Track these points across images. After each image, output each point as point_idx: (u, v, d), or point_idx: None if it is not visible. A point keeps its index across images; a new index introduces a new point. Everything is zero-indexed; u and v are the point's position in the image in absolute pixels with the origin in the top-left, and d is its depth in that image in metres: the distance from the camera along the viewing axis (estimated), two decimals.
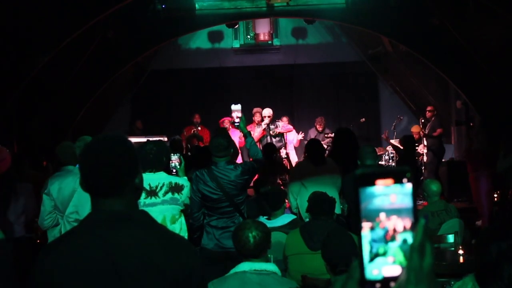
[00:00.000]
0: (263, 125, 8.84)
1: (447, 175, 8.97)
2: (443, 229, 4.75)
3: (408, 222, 0.77)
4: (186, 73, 12.08)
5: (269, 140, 8.74)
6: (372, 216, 0.77)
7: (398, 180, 0.77)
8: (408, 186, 0.77)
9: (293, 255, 3.70)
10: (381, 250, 0.77)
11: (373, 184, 0.77)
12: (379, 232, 0.77)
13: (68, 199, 3.78)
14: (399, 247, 0.77)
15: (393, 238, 0.77)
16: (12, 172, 5.07)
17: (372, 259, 0.77)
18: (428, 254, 0.76)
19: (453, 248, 4.41)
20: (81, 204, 3.73)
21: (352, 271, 0.81)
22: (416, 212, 0.77)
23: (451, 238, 4.48)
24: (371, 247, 0.77)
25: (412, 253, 0.76)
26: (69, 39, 6.72)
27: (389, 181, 0.77)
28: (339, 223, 4.13)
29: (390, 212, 0.77)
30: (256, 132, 8.77)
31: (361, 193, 0.77)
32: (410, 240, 0.77)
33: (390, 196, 0.77)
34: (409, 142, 7.75)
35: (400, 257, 0.77)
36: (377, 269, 0.77)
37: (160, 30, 8.68)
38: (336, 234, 3.06)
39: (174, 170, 4.12)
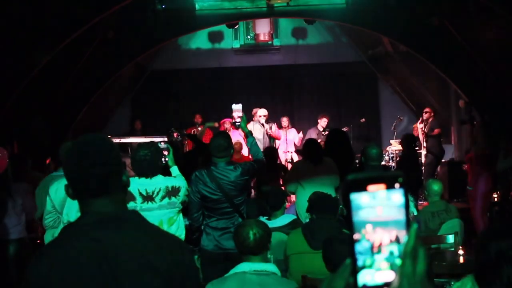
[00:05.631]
0: (260, 124, 9.11)
1: (447, 175, 8.96)
2: (443, 229, 4.75)
3: (394, 234, 0.75)
4: (186, 73, 12.08)
5: (266, 137, 9.11)
6: (358, 228, 0.76)
7: (390, 185, 0.76)
8: (399, 197, 0.76)
9: (294, 254, 3.70)
10: (367, 262, 0.76)
11: (364, 189, 0.75)
12: (365, 244, 0.76)
13: (63, 201, 3.79)
14: (385, 260, 0.76)
15: (379, 250, 0.76)
16: (8, 174, 5.07)
17: (358, 271, 0.76)
18: (421, 260, 0.75)
19: (453, 249, 4.41)
20: (70, 206, 3.74)
21: (340, 271, 0.80)
22: (408, 219, 0.76)
23: (451, 238, 4.48)
24: (358, 259, 0.76)
25: (404, 259, 0.74)
26: (69, 39, 6.72)
27: (381, 186, 0.76)
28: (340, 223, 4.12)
29: (376, 224, 0.75)
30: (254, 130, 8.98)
31: (352, 198, 0.76)
32: (396, 252, 0.75)
33: (376, 209, 0.75)
34: (410, 141, 7.73)
35: (386, 269, 0.75)
36: (369, 275, 0.76)
37: (160, 30, 8.68)
38: (337, 235, 3.06)
39: (164, 160, 4.13)
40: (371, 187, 0.76)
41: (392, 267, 0.75)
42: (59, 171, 4.23)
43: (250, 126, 8.99)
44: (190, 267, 1.53)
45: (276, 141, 9.50)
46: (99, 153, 1.51)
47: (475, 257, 2.04)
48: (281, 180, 7.17)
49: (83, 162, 1.50)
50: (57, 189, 3.82)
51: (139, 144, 3.96)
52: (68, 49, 7.00)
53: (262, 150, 8.13)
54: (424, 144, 9.28)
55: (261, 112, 9.34)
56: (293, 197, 5.77)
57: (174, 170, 4.21)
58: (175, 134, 9.33)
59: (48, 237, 4.05)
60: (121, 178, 1.55)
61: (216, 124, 9.43)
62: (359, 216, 0.75)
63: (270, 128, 9.29)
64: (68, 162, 1.54)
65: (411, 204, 5.63)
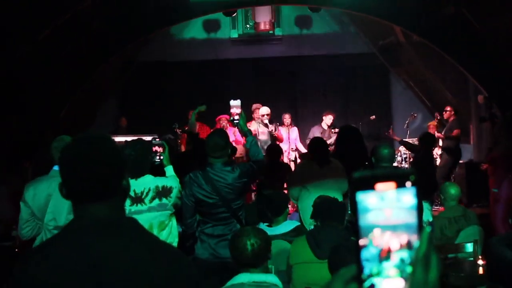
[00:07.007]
0: (262, 124, 9.05)
1: (465, 178, 8.96)
2: (461, 237, 4.75)
3: (405, 239, 0.75)
4: (179, 66, 12.08)
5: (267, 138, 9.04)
6: (365, 233, 0.75)
7: (400, 184, 0.75)
8: (410, 198, 0.75)
9: (298, 264, 3.71)
10: (374, 271, 0.75)
11: (372, 188, 0.75)
12: (373, 251, 0.75)
13: (44, 205, 3.78)
14: (394, 267, 0.75)
15: (388, 257, 0.75)
16: None
17: (365, 280, 0.76)
18: (433, 267, 0.74)
19: (472, 258, 4.41)
20: (57, 210, 3.72)
21: (341, 273, 0.80)
22: (420, 223, 0.75)
23: (469, 247, 4.48)
24: (365, 267, 0.75)
25: (415, 266, 0.74)
26: (51, 29, 6.71)
27: (391, 185, 0.75)
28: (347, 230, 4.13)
29: (385, 228, 0.75)
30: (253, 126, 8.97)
31: (359, 199, 0.75)
32: (407, 259, 0.75)
33: (385, 211, 0.75)
34: (429, 141, 7.75)
35: (396, 276, 0.75)
36: (377, 284, 0.75)
37: (150, 18, 8.67)
38: (344, 245, 3.06)
39: (158, 158, 4.12)
40: (379, 186, 0.75)
41: (402, 274, 0.75)
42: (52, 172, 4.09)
43: (254, 127, 8.98)
44: (188, 282, 1.53)
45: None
46: (100, 154, 1.52)
47: (487, 265, 2.04)
48: (285, 183, 7.17)
49: (81, 163, 1.50)
50: (35, 194, 3.81)
51: (126, 142, 3.98)
52: (49, 40, 6.99)
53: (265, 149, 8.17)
54: (440, 144, 9.29)
55: (264, 111, 9.27)
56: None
57: (169, 170, 4.21)
58: (177, 130, 9.29)
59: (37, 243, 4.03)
60: (121, 182, 1.55)
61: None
62: (366, 219, 0.75)
63: (275, 129, 9.28)
64: (65, 161, 1.55)
65: (427, 211, 5.62)
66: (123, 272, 1.44)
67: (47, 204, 3.77)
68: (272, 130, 9.21)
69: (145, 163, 3.93)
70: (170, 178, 4.04)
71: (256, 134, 8.72)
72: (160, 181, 3.92)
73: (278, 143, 9.31)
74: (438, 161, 9.36)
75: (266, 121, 9.21)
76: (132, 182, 3.78)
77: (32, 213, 3.86)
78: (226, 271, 3.62)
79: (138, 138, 4.17)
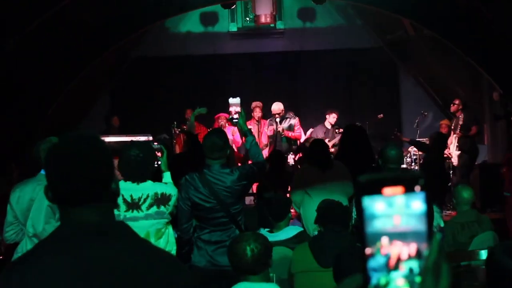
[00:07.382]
0: (274, 123, 9.03)
1: (479, 181, 8.93)
2: (475, 243, 4.75)
3: (414, 248, 0.75)
4: (175, 61, 12.09)
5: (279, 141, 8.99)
6: (372, 241, 0.75)
7: (409, 188, 0.75)
8: (419, 204, 0.75)
9: (300, 273, 3.72)
10: (382, 281, 0.75)
11: (379, 192, 0.75)
12: (380, 260, 0.75)
13: (27, 210, 3.79)
14: (403, 277, 0.75)
15: (396, 267, 0.75)
16: None
17: None
18: (444, 276, 0.74)
19: None
20: (36, 216, 3.73)
21: (346, 282, 0.80)
22: (430, 230, 0.75)
23: (483, 254, 4.46)
24: (371, 277, 0.75)
25: (425, 275, 0.74)
26: (39, 22, 6.70)
27: (399, 189, 0.75)
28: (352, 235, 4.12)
29: (393, 236, 0.75)
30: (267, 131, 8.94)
31: (365, 204, 0.75)
32: (416, 268, 0.75)
33: (393, 218, 0.75)
34: (441, 141, 7.74)
35: (404, 287, 0.75)
36: None
37: (145, 11, 8.68)
38: (349, 251, 3.05)
39: (156, 163, 4.14)
40: (387, 190, 0.75)
41: (411, 285, 0.75)
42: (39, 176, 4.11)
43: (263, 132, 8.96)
44: None
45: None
46: (87, 156, 1.51)
47: (486, 274, 2.04)
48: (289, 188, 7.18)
49: (68, 164, 1.50)
50: (19, 197, 3.83)
51: (132, 142, 3.97)
52: (38, 33, 6.98)
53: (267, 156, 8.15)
54: (457, 143, 9.25)
55: (276, 109, 9.07)
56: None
57: (167, 176, 4.22)
58: (176, 130, 9.27)
59: (19, 252, 4.03)
60: (110, 185, 1.54)
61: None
62: (373, 226, 0.75)
63: (290, 127, 9.16)
64: (51, 162, 1.54)
65: (437, 214, 5.61)
66: (118, 280, 1.43)
67: (30, 209, 3.78)
68: (280, 130, 9.09)
69: (150, 167, 3.92)
70: (169, 186, 4.05)
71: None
72: (159, 188, 3.91)
73: (298, 142, 9.24)
74: (455, 162, 9.30)
75: (278, 120, 9.09)
76: (132, 186, 3.79)
77: (15, 216, 3.87)
78: (224, 279, 3.62)
79: (146, 140, 4.21)
